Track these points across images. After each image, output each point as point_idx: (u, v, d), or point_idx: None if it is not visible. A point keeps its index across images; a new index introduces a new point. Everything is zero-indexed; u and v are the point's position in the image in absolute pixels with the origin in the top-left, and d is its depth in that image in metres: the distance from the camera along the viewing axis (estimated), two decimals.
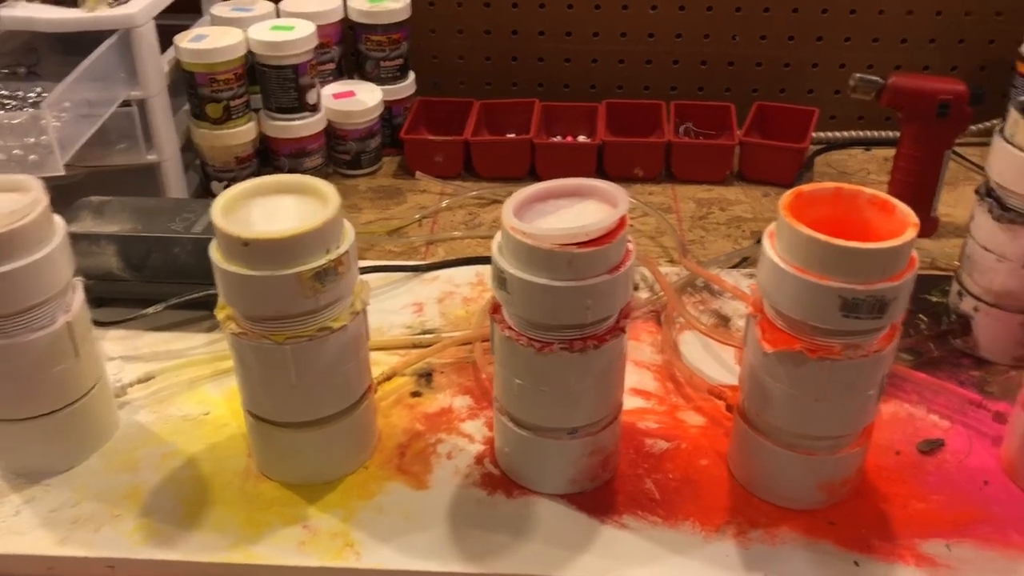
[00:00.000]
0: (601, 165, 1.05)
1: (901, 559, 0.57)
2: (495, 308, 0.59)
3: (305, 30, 0.97)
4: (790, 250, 0.54)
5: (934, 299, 0.80)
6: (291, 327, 0.57)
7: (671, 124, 1.07)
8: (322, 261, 0.55)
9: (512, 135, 1.09)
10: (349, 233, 0.58)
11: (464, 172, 1.06)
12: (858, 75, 0.89)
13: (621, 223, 0.55)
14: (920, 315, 0.79)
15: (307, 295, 0.56)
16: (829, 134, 1.11)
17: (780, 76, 1.13)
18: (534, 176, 1.05)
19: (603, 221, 0.54)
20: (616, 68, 1.14)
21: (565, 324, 0.56)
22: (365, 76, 1.08)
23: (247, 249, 0.54)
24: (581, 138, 1.10)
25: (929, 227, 0.93)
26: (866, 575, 0.56)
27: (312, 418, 0.61)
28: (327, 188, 0.58)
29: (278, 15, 1.04)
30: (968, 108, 0.88)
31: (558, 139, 1.10)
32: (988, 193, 0.70)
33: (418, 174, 1.04)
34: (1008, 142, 0.67)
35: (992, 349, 0.73)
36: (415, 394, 0.71)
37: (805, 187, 0.56)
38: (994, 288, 0.71)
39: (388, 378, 0.71)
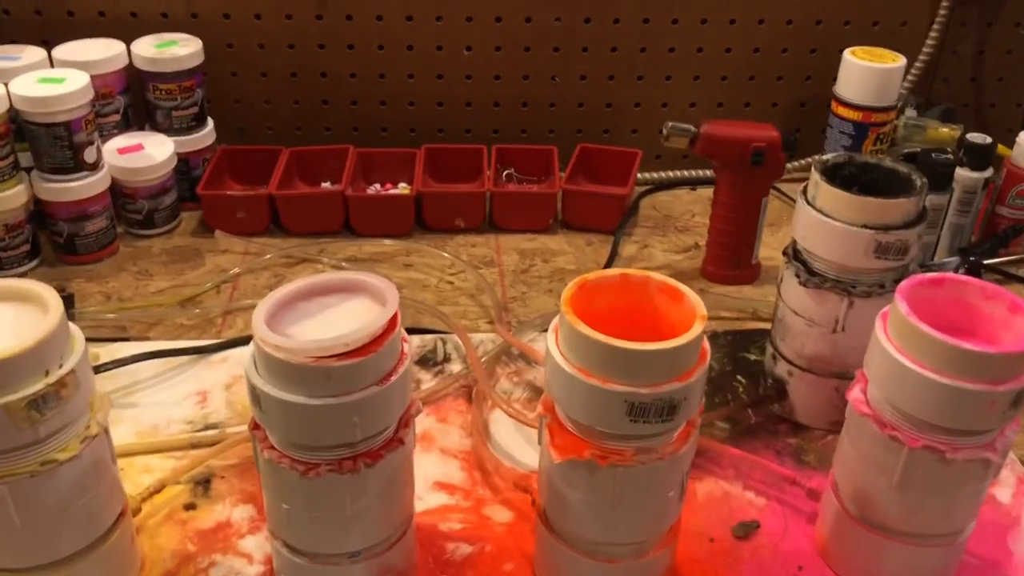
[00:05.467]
0: (420, 216, 0.99)
1: None
2: (255, 424, 0.51)
3: (78, 82, 0.86)
4: (572, 349, 0.49)
5: (752, 357, 0.78)
6: (5, 463, 0.48)
7: (492, 170, 1.02)
8: (39, 386, 0.47)
9: (328, 184, 1.02)
10: (77, 343, 0.50)
11: (273, 227, 0.99)
12: (671, 123, 0.86)
13: (391, 325, 0.49)
14: (739, 376, 0.76)
15: (21, 427, 0.47)
16: (655, 174, 1.09)
17: (603, 117, 1.10)
18: (349, 230, 0.98)
19: (367, 327, 0.48)
20: (435, 111, 1.09)
21: (331, 444, 0.49)
22: (156, 127, 0.98)
23: None
24: (402, 185, 1.03)
25: (751, 274, 0.91)
26: None
27: (47, 560, 0.52)
28: (46, 293, 0.50)
29: (52, 64, 0.93)
30: (782, 155, 0.86)
31: (376, 188, 1.03)
32: (795, 256, 0.68)
33: (218, 233, 0.96)
34: (810, 205, 0.65)
35: (808, 414, 0.70)
36: (189, 506, 0.63)
37: (590, 276, 0.52)
38: (806, 353, 0.68)
39: (157, 491, 0.63)
